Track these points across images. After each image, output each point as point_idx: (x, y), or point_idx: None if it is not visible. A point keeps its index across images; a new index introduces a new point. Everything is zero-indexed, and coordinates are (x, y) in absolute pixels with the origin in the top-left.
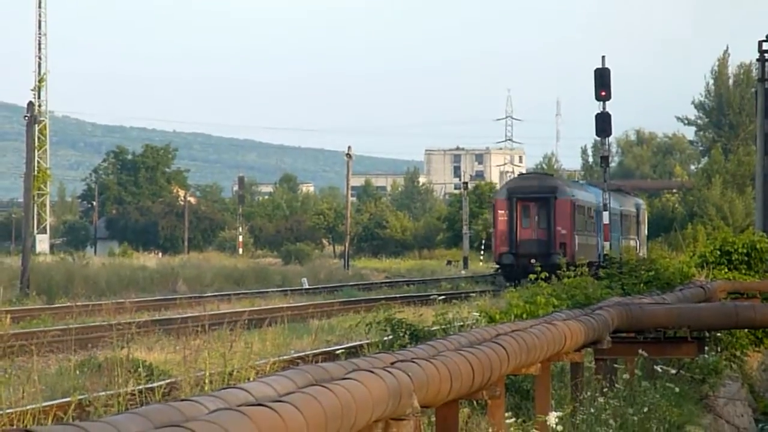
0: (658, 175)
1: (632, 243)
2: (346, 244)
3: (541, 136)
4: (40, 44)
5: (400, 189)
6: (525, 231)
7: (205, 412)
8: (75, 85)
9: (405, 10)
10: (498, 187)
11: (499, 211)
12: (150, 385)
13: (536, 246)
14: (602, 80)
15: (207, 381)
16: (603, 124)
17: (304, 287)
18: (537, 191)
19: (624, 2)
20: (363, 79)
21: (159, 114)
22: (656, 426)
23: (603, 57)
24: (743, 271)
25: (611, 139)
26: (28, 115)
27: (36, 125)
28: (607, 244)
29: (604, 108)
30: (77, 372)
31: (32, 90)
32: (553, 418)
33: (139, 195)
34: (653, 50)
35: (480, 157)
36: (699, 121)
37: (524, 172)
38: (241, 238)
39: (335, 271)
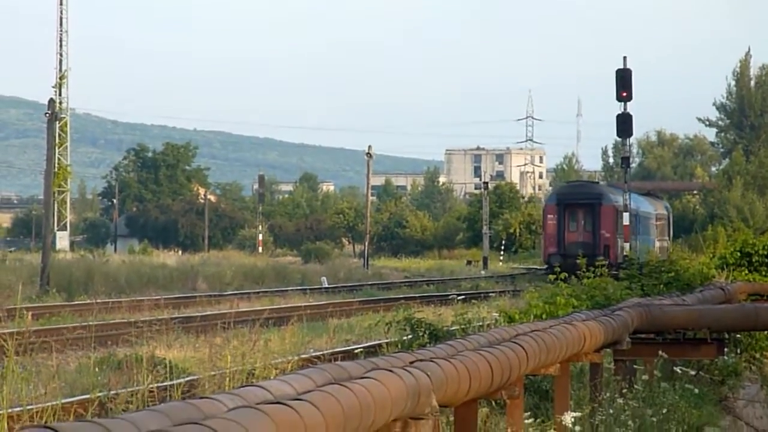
0: (679, 177)
1: (665, 244)
2: (366, 244)
3: (562, 136)
4: (61, 41)
5: (420, 189)
6: (572, 234)
7: (224, 410)
8: (96, 83)
9: (426, 12)
10: (518, 186)
11: (549, 215)
12: (170, 383)
13: (582, 248)
14: (623, 81)
15: (228, 379)
16: (624, 124)
17: (324, 286)
18: (584, 197)
19: (645, 3)
20: (384, 79)
21: (180, 112)
22: (675, 427)
23: (624, 58)
24: (763, 273)
25: (632, 140)
26: (49, 112)
27: (57, 122)
28: (627, 245)
29: (625, 109)
30: (97, 369)
31: (53, 87)
32: (568, 418)
33: (159, 193)
34: (675, 51)
35: (500, 157)
36: (720, 123)
37: (544, 172)
38: (260, 237)
39: (355, 271)
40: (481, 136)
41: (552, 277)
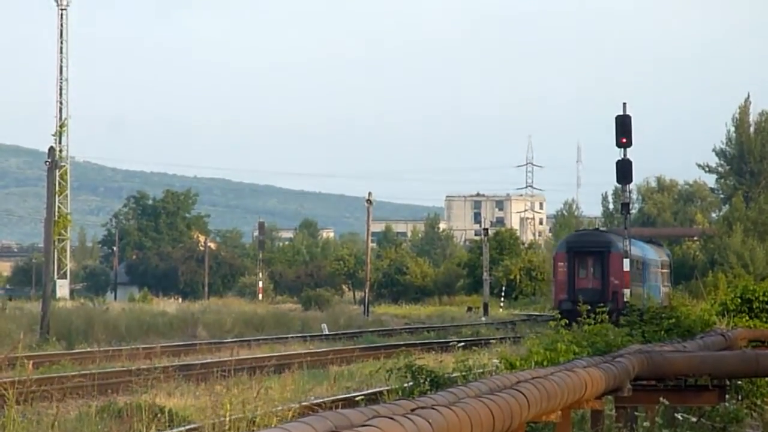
0: (679, 223)
1: (668, 291)
2: (366, 290)
3: (562, 182)
4: (61, 90)
5: (420, 235)
6: (582, 281)
7: None
8: (96, 130)
9: (424, 56)
10: (518, 232)
11: (559, 263)
12: (170, 431)
13: (592, 294)
14: (623, 127)
15: (228, 427)
16: (624, 171)
17: (324, 333)
18: (593, 245)
19: (645, 49)
20: (383, 125)
21: (179, 159)
22: None
23: (624, 104)
24: (764, 319)
25: (632, 185)
26: (49, 160)
27: (57, 170)
28: (627, 291)
29: (625, 155)
30: (97, 418)
31: (53, 135)
32: None
33: (159, 240)
34: (674, 97)
35: (500, 204)
36: (720, 169)
37: (544, 218)
38: (261, 284)
39: (355, 317)
40: (481, 183)
41: (552, 323)
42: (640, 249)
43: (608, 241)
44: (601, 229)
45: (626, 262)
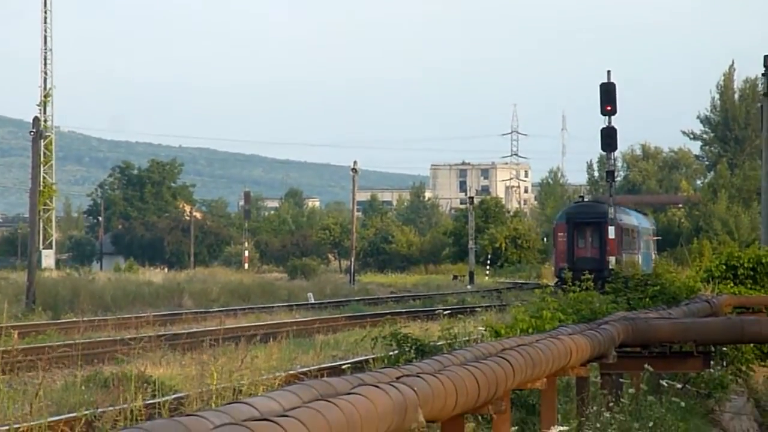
0: (664, 190)
1: (656, 258)
2: (352, 259)
3: (547, 150)
4: (45, 59)
5: (405, 204)
6: (580, 250)
7: (210, 427)
8: (80, 100)
9: (410, 25)
10: (503, 201)
11: (559, 233)
12: (157, 400)
13: (590, 262)
14: (608, 95)
15: (215, 396)
16: (608, 138)
17: (310, 302)
18: (592, 216)
19: (630, 16)
20: (369, 94)
21: (165, 129)
22: None
23: (608, 72)
24: (749, 286)
25: (617, 153)
26: (34, 130)
27: (42, 140)
28: (612, 259)
29: (609, 122)
30: (83, 387)
31: (38, 105)
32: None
33: (144, 210)
34: (659, 64)
35: (486, 172)
36: (705, 136)
37: (529, 186)
38: (246, 253)
39: (341, 286)
40: (466, 151)
41: (538, 291)
42: (635, 218)
43: (606, 212)
44: (587, 198)
45: (611, 230)
